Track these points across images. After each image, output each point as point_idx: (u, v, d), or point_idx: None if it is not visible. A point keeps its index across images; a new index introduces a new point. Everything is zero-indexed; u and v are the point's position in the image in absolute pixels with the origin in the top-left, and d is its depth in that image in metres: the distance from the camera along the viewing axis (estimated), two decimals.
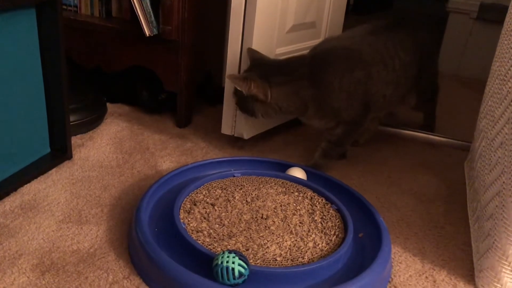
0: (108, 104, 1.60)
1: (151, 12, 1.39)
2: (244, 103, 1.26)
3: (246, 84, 1.21)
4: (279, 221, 1.00)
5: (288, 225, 0.99)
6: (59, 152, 1.26)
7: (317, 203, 1.08)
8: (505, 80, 0.98)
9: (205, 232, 0.95)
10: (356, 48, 1.27)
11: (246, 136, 1.40)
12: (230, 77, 1.23)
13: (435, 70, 1.53)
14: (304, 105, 1.25)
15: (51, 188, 1.14)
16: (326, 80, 1.23)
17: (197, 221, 0.98)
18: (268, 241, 0.94)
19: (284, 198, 1.08)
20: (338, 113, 1.26)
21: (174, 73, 1.48)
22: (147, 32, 1.40)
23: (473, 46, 2.39)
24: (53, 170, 1.22)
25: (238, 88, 1.23)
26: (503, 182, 0.87)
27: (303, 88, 1.23)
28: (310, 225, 1.00)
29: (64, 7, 1.59)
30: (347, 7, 1.69)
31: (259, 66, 1.26)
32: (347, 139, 1.33)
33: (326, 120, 1.29)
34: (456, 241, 1.08)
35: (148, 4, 1.38)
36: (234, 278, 0.80)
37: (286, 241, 0.94)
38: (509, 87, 0.93)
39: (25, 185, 1.14)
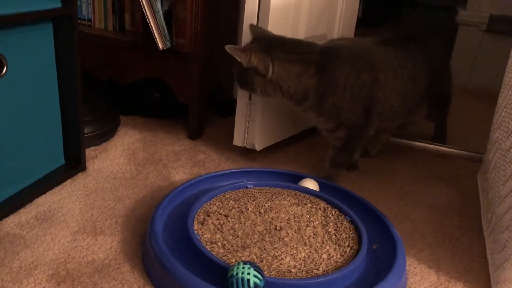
0: (121, 116, 1.62)
1: (164, 25, 1.41)
2: (244, 77, 1.21)
3: (246, 55, 1.16)
4: (293, 233, 1.00)
5: (302, 237, 0.99)
6: (74, 164, 1.28)
7: (331, 214, 1.08)
8: None
9: (219, 243, 0.95)
10: (367, 52, 1.27)
11: (258, 148, 1.41)
12: (229, 47, 1.15)
13: (446, 81, 1.53)
14: (305, 92, 1.21)
15: (66, 200, 1.15)
16: (334, 73, 1.20)
17: (211, 232, 0.98)
18: (282, 253, 0.94)
19: (297, 210, 1.08)
20: (338, 113, 1.23)
21: (186, 85, 1.50)
22: (160, 45, 1.42)
23: (483, 58, 2.39)
24: (68, 181, 1.23)
25: (238, 59, 1.17)
26: None
27: (308, 74, 1.19)
28: (324, 237, 1.00)
29: (79, 21, 1.62)
30: (356, 20, 1.70)
31: (262, 39, 1.21)
32: (352, 145, 1.30)
33: (324, 118, 1.25)
34: (471, 253, 1.08)
35: (162, 17, 1.40)
36: None
37: (300, 252, 0.94)
38: None
39: (40, 197, 1.15)
